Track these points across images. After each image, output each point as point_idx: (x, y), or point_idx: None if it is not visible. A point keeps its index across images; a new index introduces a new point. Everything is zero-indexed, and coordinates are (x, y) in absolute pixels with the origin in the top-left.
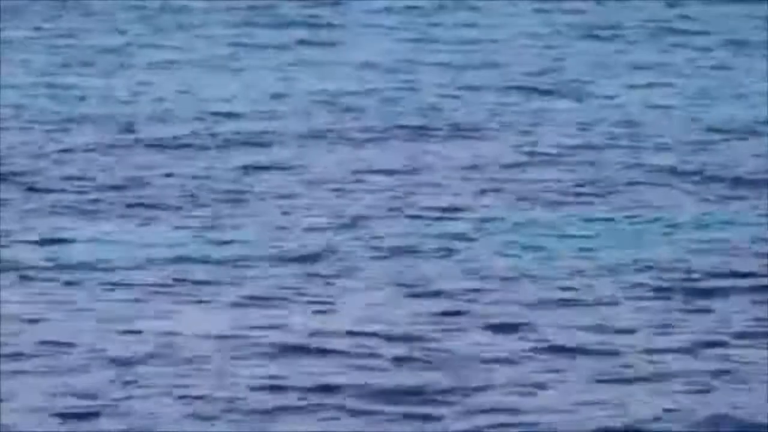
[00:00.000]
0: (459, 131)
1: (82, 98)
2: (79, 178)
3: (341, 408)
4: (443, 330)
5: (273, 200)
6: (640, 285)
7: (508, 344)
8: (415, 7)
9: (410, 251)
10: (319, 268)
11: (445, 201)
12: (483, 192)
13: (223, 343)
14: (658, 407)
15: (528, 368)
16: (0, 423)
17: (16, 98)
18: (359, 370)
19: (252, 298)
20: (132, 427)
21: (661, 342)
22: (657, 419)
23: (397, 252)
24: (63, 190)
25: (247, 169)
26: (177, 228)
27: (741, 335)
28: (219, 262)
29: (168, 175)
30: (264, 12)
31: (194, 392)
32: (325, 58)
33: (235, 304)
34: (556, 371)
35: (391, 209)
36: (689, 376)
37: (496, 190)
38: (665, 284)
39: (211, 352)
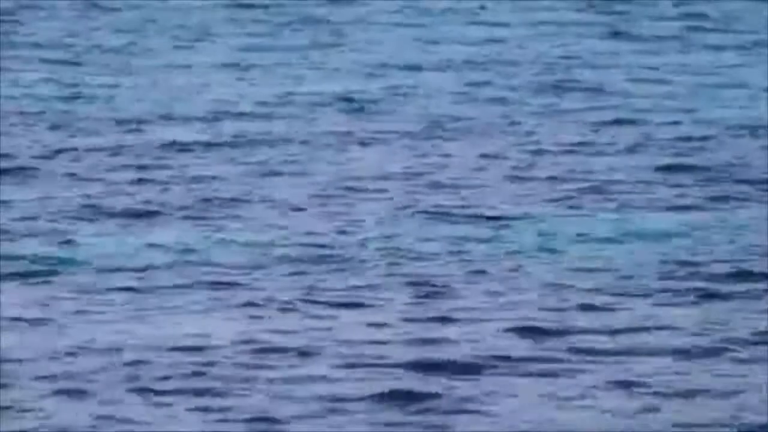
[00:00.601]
0: (470, 131)
1: (90, 98)
2: (87, 179)
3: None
4: (461, 332)
5: (281, 202)
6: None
7: (530, 348)
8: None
9: (421, 252)
10: (329, 270)
11: (459, 201)
12: (496, 191)
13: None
14: None
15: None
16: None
17: (24, 97)
18: (370, 376)
19: (266, 299)
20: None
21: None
22: None
23: (407, 254)
24: (71, 189)
25: (256, 169)
26: (184, 229)
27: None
28: (228, 264)
29: (175, 176)
30: (275, 12)
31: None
32: (334, 58)
33: (247, 306)
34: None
35: (400, 209)
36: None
37: (508, 190)
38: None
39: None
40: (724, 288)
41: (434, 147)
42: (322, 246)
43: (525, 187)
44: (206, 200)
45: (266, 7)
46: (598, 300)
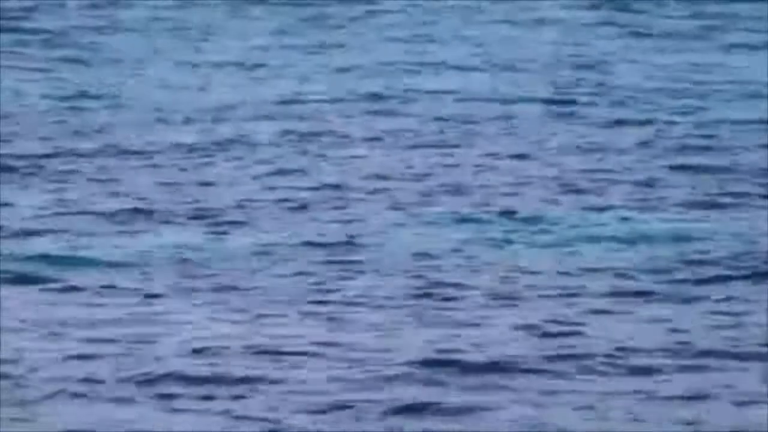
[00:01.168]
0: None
1: (97, 97)
2: (95, 180)
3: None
4: (469, 334)
5: (291, 203)
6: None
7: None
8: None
9: (432, 255)
10: (337, 271)
11: (467, 201)
12: (506, 191)
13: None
14: None
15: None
16: None
17: (33, 99)
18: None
19: (273, 301)
20: None
21: None
22: None
23: (418, 257)
24: (78, 190)
25: (267, 170)
26: (191, 230)
27: None
28: (236, 265)
29: (182, 176)
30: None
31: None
32: (341, 59)
33: (254, 307)
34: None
35: (409, 209)
36: None
37: (522, 192)
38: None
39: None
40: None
41: (443, 147)
42: (330, 246)
43: (535, 187)
44: (214, 200)
45: (273, 5)
46: (610, 302)
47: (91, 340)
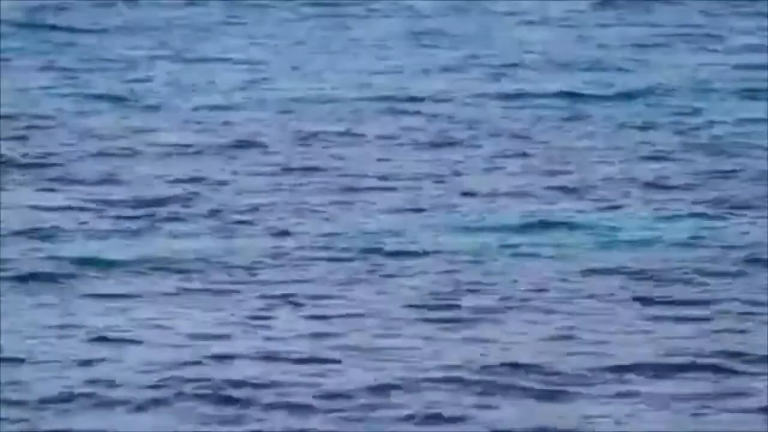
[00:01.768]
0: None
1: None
2: (110, 181)
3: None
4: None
5: (301, 203)
6: None
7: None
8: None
9: (444, 256)
10: (349, 273)
11: (483, 204)
12: (522, 193)
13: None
14: None
15: None
16: None
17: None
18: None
19: (286, 302)
20: None
21: None
22: None
23: (432, 258)
24: (94, 191)
25: (275, 169)
26: (205, 231)
27: None
28: (249, 266)
29: (196, 177)
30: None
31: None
32: (349, 59)
33: (269, 308)
34: None
35: (423, 211)
36: None
37: (535, 193)
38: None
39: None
40: None
41: (460, 149)
42: (341, 248)
43: (552, 189)
44: (228, 201)
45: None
46: (625, 304)
47: (105, 341)
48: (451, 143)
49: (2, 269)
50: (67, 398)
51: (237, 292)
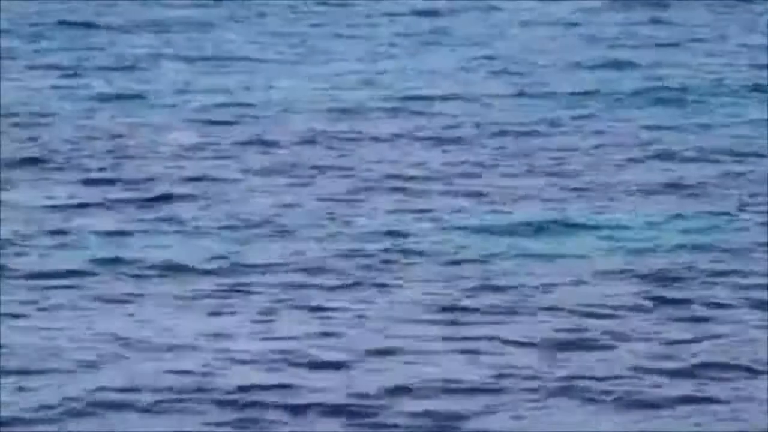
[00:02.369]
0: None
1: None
2: (129, 181)
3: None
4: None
5: (319, 204)
6: None
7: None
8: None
9: (462, 257)
10: (370, 277)
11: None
12: (542, 194)
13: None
14: None
15: None
16: None
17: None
18: None
19: (300, 306)
20: None
21: None
22: None
23: (440, 259)
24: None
25: (292, 169)
26: (218, 234)
27: None
28: (263, 268)
29: (210, 178)
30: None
31: None
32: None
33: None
34: None
35: (443, 212)
36: None
37: (557, 193)
38: None
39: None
40: None
41: (480, 149)
42: (349, 249)
43: (564, 190)
44: (236, 200)
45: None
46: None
47: (113, 343)
48: (460, 143)
49: (6, 269)
50: (77, 402)
51: (247, 293)
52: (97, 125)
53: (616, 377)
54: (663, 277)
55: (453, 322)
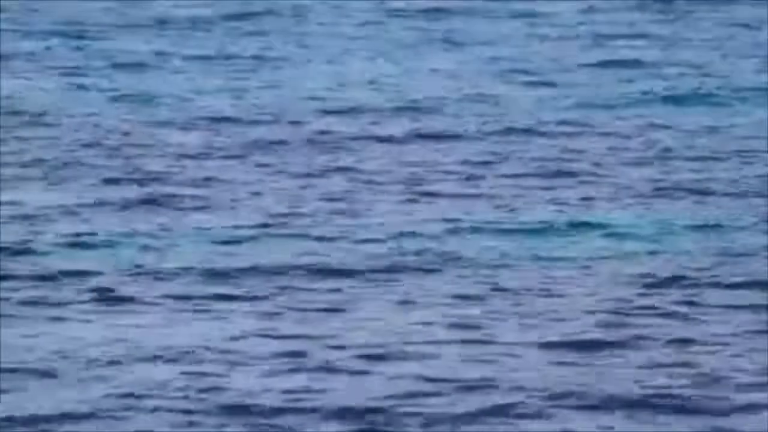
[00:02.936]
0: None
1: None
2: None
3: None
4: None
5: (332, 205)
6: None
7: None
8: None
9: (479, 259)
10: (379, 278)
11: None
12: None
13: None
14: None
15: None
16: None
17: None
18: None
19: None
20: None
21: None
22: None
23: (448, 263)
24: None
25: (305, 171)
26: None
27: None
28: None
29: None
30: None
31: None
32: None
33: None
34: None
35: (458, 213)
36: None
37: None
38: None
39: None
40: None
41: (501, 149)
42: (364, 253)
43: (583, 190)
44: (252, 202)
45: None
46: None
47: (122, 345)
48: (468, 143)
49: (10, 272)
50: (83, 405)
51: (253, 295)
52: (105, 126)
53: (628, 379)
54: (672, 279)
55: (462, 324)
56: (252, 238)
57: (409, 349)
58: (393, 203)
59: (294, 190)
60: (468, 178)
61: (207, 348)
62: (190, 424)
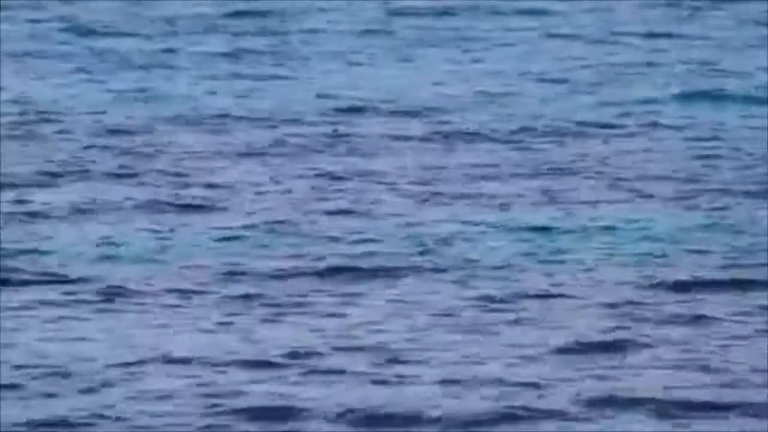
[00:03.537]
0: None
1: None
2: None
3: None
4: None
5: (343, 207)
6: None
7: None
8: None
9: (496, 261)
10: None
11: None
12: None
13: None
14: None
15: None
16: None
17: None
18: None
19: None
20: None
21: None
22: None
23: (459, 265)
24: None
25: (319, 174)
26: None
27: None
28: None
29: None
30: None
31: None
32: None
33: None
34: None
35: (463, 221)
36: None
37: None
38: None
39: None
40: None
41: (511, 149)
42: (382, 253)
43: (598, 193)
44: (264, 205)
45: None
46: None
47: (153, 349)
48: (478, 145)
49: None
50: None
51: (261, 297)
52: (113, 124)
53: (641, 382)
54: (683, 280)
55: (472, 327)
56: (261, 238)
57: (416, 350)
58: (402, 204)
59: (303, 190)
60: (477, 179)
61: (214, 350)
62: (200, 428)
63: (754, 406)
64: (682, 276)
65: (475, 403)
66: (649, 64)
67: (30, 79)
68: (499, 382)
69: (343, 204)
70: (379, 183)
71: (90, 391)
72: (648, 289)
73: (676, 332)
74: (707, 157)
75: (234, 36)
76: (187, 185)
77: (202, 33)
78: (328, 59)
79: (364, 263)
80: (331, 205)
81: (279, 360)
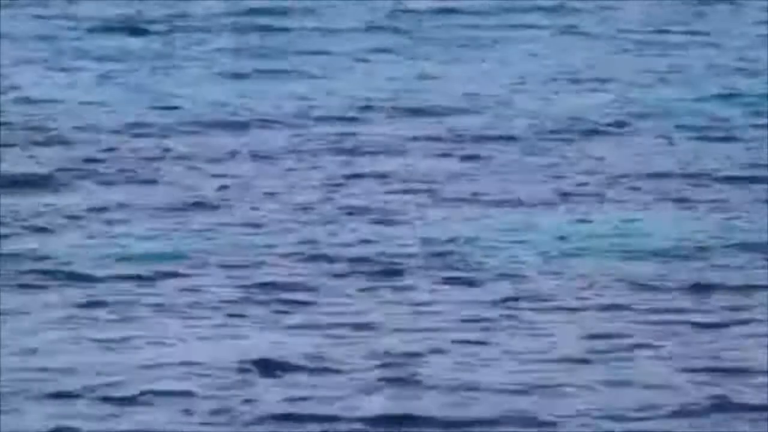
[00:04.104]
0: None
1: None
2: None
3: None
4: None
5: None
6: None
7: None
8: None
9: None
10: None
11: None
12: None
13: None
14: None
15: None
16: None
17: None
18: None
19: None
20: None
21: None
22: None
23: (470, 268)
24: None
25: (330, 178)
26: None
27: None
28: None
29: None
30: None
31: None
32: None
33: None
34: None
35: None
36: None
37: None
38: None
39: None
40: None
41: (531, 150)
42: (393, 257)
43: (608, 195)
44: (274, 208)
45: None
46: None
47: (140, 351)
48: (486, 149)
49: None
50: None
51: (267, 299)
52: (122, 126)
53: (652, 385)
54: (697, 283)
55: (482, 332)
56: (270, 239)
57: (427, 354)
58: (409, 204)
59: (318, 193)
60: (485, 179)
61: (222, 353)
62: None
63: (754, 407)
64: (694, 278)
65: (479, 407)
66: (662, 63)
67: (35, 77)
68: (502, 386)
69: (355, 202)
70: (388, 183)
71: (92, 393)
72: (659, 291)
73: (683, 335)
74: (716, 157)
75: (243, 34)
76: (195, 186)
77: (212, 32)
78: (338, 58)
79: (372, 264)
80: (341, 204)
81: (285, 362)
